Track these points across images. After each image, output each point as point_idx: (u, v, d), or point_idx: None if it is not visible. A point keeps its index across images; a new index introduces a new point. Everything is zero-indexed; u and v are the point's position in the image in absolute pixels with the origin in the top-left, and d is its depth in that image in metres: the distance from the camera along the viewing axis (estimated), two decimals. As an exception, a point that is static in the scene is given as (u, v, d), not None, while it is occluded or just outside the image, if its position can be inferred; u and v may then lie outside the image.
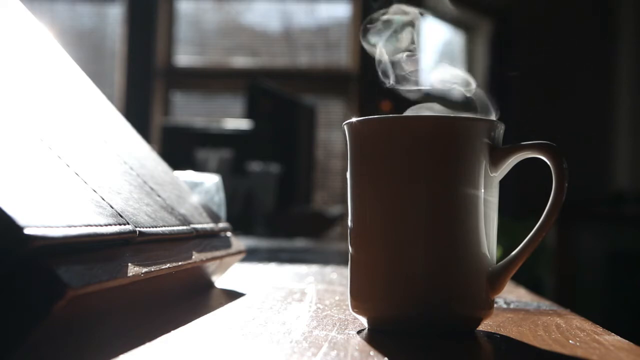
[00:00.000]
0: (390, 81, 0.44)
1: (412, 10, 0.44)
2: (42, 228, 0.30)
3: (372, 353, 0.34)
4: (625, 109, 3.55)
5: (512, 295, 0.60)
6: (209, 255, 0.54)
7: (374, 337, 0.39)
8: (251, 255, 0.92)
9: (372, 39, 0.44)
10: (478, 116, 0.43)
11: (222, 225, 0.63)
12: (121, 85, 3.52)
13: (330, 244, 1.75)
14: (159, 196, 0.52)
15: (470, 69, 3.72)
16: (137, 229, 0.41)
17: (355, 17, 3.55)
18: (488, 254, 0.41)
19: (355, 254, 0.42)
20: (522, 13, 3.57)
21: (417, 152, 0.40)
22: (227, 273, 0.66)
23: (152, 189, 0.52)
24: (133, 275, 0.37)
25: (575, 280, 3.18)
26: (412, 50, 0.44)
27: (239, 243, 0.66)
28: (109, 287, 0.34)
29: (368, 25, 0.44)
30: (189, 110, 3.67)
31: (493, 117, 0.44)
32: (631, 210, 3.22)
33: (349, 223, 0.43)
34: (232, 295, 0.55)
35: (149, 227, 0.43)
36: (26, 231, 0.29)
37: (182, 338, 0.37)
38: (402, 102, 0.45)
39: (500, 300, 0.55)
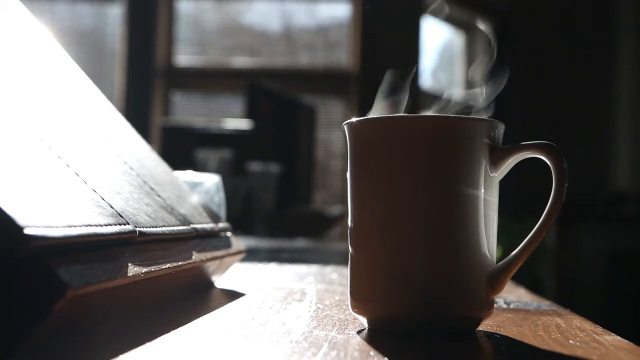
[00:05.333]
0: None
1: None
2: (42, 228, 0.30)
3: (372, 353, 0.34)
4: (626, 109, 3.55)
5: (512, 295, 0.60)
6: (209, 255, 0.54)
7: (374, 337, 0.39)
8: (251, 255, 0.92)
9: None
10: (478, 116, 0.43)
11: (222, 225, 0.63)
12: (121, 85, 3.52)
13: (330, 244, 1.75)
14: (159, 196, 0.52)
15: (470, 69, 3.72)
16: (137, 229, 0.41)
17: (355, 17, 3.55)
18: (488, 254, 0.41)
19: (355, 254, 0.42)
20: (522, 13, 3.57)
21: (417, 152, 0.40)
22: (227, 273, 0.66)
23: (152, 189, 0.52)
24: (133, 275, 0.37)
25: (575, 280, 3.18)
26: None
27: (239, 243, 0.66)
28: (109, 287, 0.34)
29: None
30: (189, 110, 3.67)
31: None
32: (631, 210, 3.22)
33: (349, 223, 0.43)
34: (232, 295, 0.55)
35: (149, 227, 0.43)
36: (26, 231, 0.29)
37: (182, 338, 0.37)
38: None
39: (500, 300, 0.55)
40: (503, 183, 0.43)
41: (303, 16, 3.68)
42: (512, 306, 0.53)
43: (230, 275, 0.68)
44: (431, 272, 0.39)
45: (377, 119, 0.42)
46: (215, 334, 0.39)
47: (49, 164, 0.38)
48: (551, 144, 0.40)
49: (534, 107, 3.53)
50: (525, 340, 0.39)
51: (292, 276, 0.71)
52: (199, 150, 2.14)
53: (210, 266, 0.57)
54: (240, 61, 3.64)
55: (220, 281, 0.63)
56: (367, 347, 0.36)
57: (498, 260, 0.42)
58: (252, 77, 3.04)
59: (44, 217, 0.31)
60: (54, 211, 0.33)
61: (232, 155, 2.12)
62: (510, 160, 0.41)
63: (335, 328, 0.41)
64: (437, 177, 0.40)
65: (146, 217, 0.44)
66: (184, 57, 3.65)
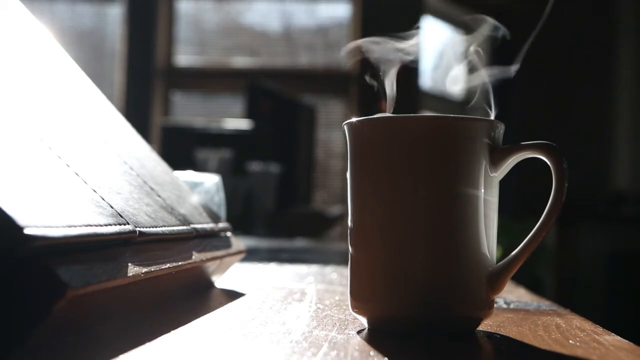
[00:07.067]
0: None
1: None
2: (42, 228, 0.30)
3: (372, 353, 0.34)
4: (625, 109, 3.55)
5: (512, 295, 0.60)
6: (209, 255, 0.53)
7: (374, 337, 0.39)
8: (251, 255, 0.92)
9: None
10: (478, 116, 0.43)
11: (222, 225, 0.63)
12: (121, 85, 3.52)
13: (330, 244, 1.75)
14: (159, 196, 0.52)
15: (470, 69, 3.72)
16: (137, 229, 0.41)
17: (355, 17, 3.55)
18: (488, 254, 0.41)
19: (355, 254, 0.42)
20: (522, 13, 3.57)
21: (417, 152, 0.40)
22: (227, 273, 0.66)
23: (152, 189, 0.52)
24: (133, 275, 0.37)
25: (575, 280, 3.18)
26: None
27: (239, 243, 0.66)
28: (109, 287, 0.34)
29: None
30: (189, 110, 3.67)
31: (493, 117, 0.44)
32: (631, 210, 3.22)
33: (349, 223, 0.43)
34: (232, 295, 0.55)
35: (149, 227, 0.43)
36: (26, 231, 0.29)
37: (182, 338, 0.37)
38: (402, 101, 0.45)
39: (500, 300, 0.55)
40: (503, 183, 0.43)
41: (303, 16, 3.68)
42: (512, 306, 0.53)
43: (230, 275, 0.68)
44: (431, 272, 0.39)
45: (377, 119, 0.42)
46: (215, 334, 0.39)
47: (49, 164, 0.38)
48: (551, 144, 0.40)
49: (534, 107, 3.53)
50: (525, 340, 0.39)
51: (292, 276, 0.71)
52: (199, 150, 2.14)
53: (210, 266, 0.57)
54: (240, 61, 3.64)
55: (220, 281, 0.63)
56: (367, 347, 0.36)
57: (498, 260, 0.42)
58: (252, 77, 3.04)
59: (44, 217, 0.31)
60: (54, 211, 0.33)
61: (232, 155, 2.12)
62: (510, 160, 0.41)
63: (335, 328, 0.41)
64: (437, 177, 0.40)
65: (146, 217, 0.44)
66: (184, 57, 3.65)
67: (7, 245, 0.29)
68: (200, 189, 0.70)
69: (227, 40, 3.69)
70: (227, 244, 0.61)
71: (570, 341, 0.39)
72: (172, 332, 0.38)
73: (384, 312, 0.41)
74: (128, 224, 0.40)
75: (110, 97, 0.65)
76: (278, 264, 0.86)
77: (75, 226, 0.33)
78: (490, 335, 0.41)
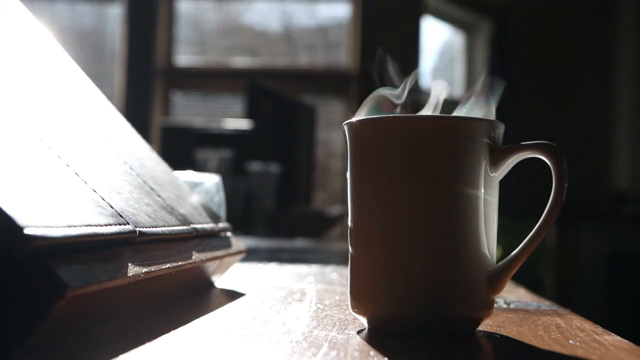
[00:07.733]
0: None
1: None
2: (42, 228, 0.30)
3: (372, 353, 0.34)
4: (625, 109, 3.55)
5: (512, 295, 0.60)
6: (209, 255, 0.54)
7: (374, 337, 0.39)
8: (251, 255, 0.92)
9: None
10: (478, 116, 0.43)
11: (222, 225, 0.63)
12: (121, 85, 3.52)
13: (330, 244, 1.75)
14: (159, 196, 0.52)
15: (470, 69, 3.73)
16: (137, 229, 0.41)
17: (355, 17, 3.55)
18: (488, 254, 0.41)
19: (355, 254, 0.42)
20: (522, 13, 3.57)
21: (417, 152, 0.40)
22: (227, 273, 0.66)
23: (152, 189, 0.52)
24: (133, 275, 0.37)
25: (575, 280, 3.18)
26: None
27: (239, 243, 0.66)
28: (109, 287, 0.34)
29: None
30: (189, 110, 3.67)
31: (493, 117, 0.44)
32: (631, 210, 3.22)
33: (349, 223, 0.43)
34: (232, 295, 0.55)
35: (149, 227, 0.43)
36: (26, 231, 0.29)
37: (182, 338, 0.37)
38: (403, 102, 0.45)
39: (500, 300, 0.55)
40: (503, 183, 0.43)
41: (303, 16, 3.68)
42: (512, 306, 0.53)
43: (230, 275, 0.68)
44: (431, 272, 0.39)
45: (377, 119, 0.42)
46: (215, 334, 0.39)
47: (49, 164, 0.38)
48: (551, 144, 0.40)
49: (534, 107, 3.53)
50: (525, 340, 0.39)
51: (292, 276, 0.71)
52: (199, 150, 2.14)
53: (210, 266, 0.57)
54: (240, 61, 3.64)
55: (220, 281, 0.63)
56: (367, 347, 0.36)
57: (498, 260, 0.42)
58: (252, 77, 3.04)
59: (44, 217, 0.31)
60: (54, 211, 0.33)
61: (232, 155, 2.12)
62: (510, 160, 0.41)
63: (335, 328, 0.41)
64: (437, 177, 0.40)
65: (146, 217, 0.44)
66: (184, 57, 3.66)
67: (7, 245, 0.29)
68: (200, 189, 0.70)
69: (227, 40, 3.70)
70: (227, 244, 0.61)
71: (570, 341, 0.39)
72: (172, 332, 0.38)
73: (384, 312, 0.41)
74: (128, 224, 0.40)
75: (110, 97, 0.65)
76: (278, 264, 0.86)
77: (75, 226, 0.33)
78: (490, 335, 0.41)
